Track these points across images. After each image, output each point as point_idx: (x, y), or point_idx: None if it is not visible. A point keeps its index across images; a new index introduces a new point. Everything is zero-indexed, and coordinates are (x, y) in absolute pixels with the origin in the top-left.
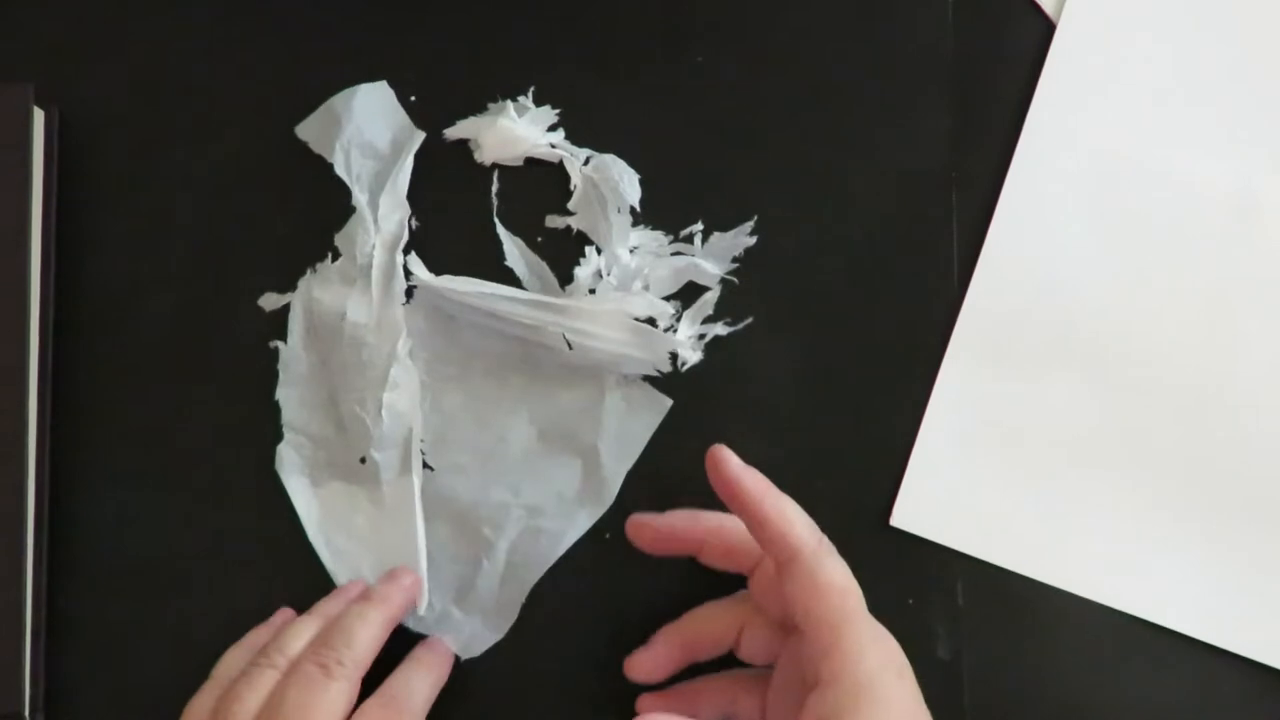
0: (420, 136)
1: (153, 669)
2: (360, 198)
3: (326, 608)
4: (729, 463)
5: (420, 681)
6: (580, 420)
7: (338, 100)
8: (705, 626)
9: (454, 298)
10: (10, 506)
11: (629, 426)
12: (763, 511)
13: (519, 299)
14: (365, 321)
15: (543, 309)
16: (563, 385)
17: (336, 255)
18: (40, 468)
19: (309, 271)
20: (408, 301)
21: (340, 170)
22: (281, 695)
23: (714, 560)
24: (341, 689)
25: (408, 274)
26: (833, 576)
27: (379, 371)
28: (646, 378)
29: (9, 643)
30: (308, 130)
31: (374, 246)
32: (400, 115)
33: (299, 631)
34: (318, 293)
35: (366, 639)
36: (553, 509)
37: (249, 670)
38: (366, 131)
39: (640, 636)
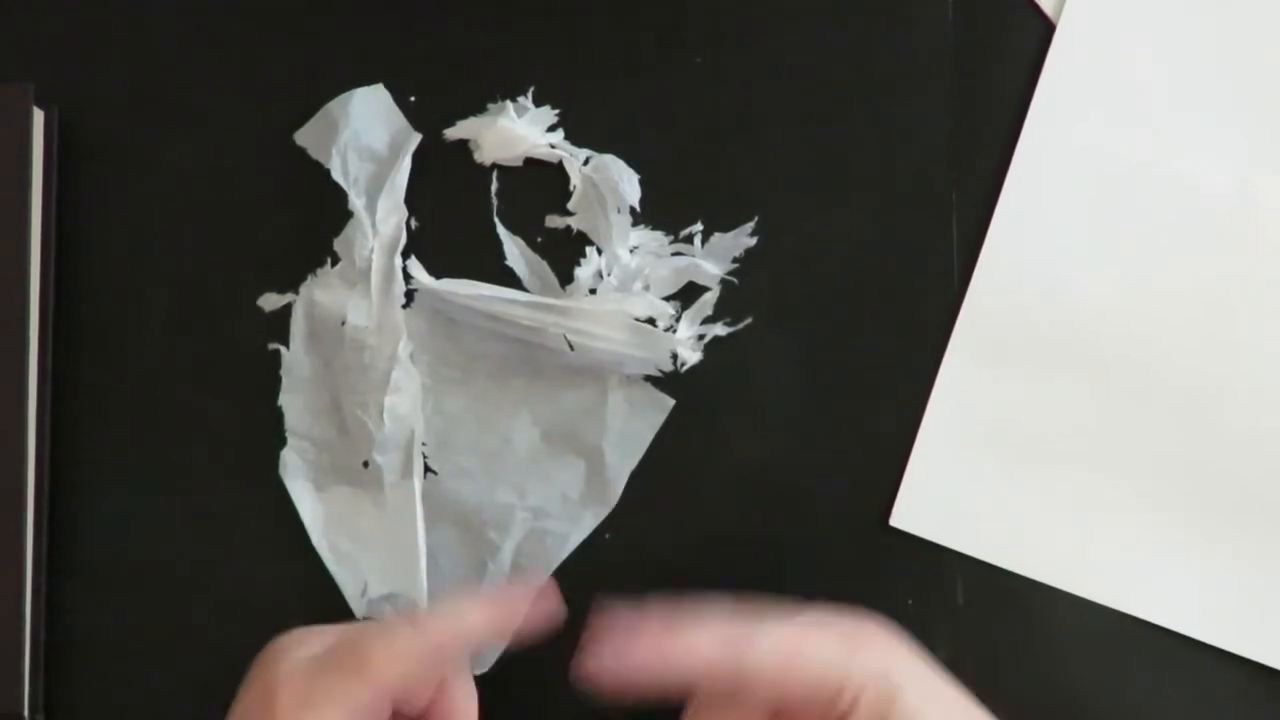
0: (416, 138)
1: (153, 670)
2: (357, 202)
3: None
4: (603, 668)
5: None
6: (583, 421)
7: (334, 105)
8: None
9: (454, 300)
10: (10, 507)
11: (632, 426)
12: (674, 676)
13: (519, 301)
14: (366, 324)
15: (543, 310)
16: (565, 386)
17: (336, 260)
18: (40, 468)
19: (310, 276)
20: (409, 305)
21: (337, 175)
22: (359, 634)
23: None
24: (423, 640)
25: (408, 278)
26: (764, 662)
27: (380, 374)
28: (648, 377)
29: (9, 643)
30: (306, 136)
31: (372, 250)
32: (397, 117)
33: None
34: (319, 296)
35: (472, 614)
36: (557, 510)
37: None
38: (363, 135)
39: None
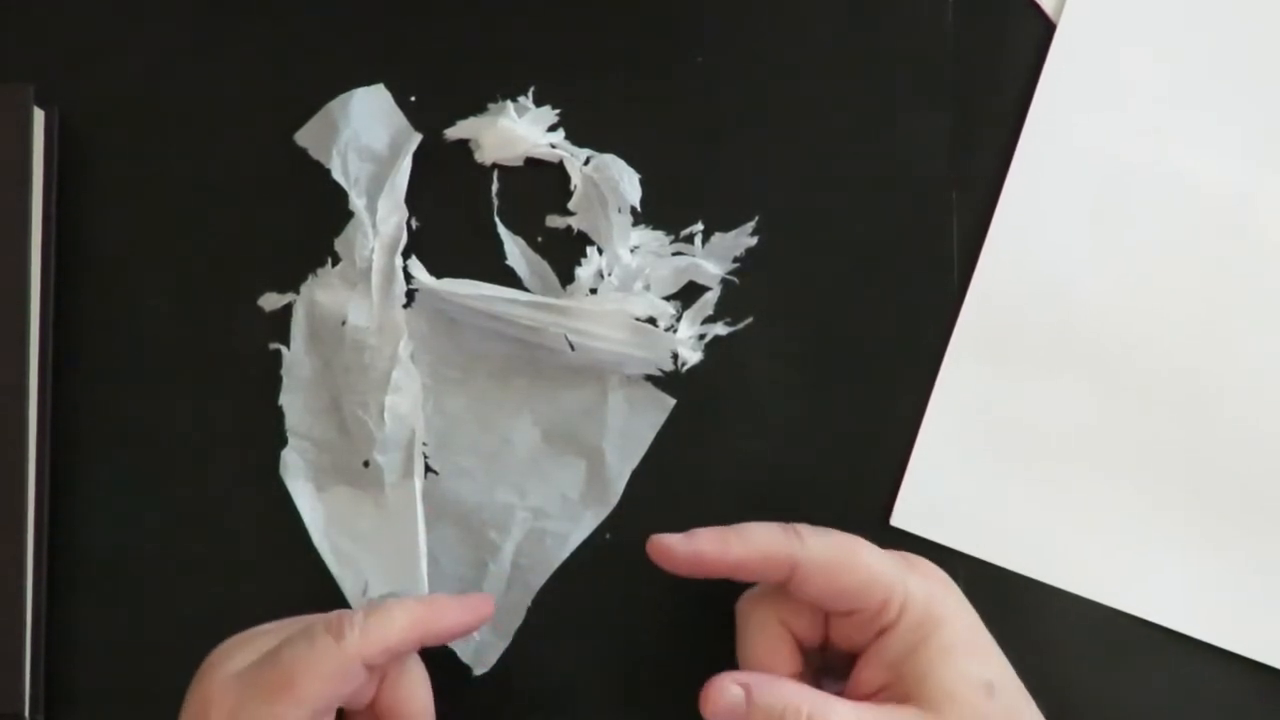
0: (417, 138)
1: (153, 670)
2: (358, 202)
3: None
4: (675, 547)
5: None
6: (584, 421)
7: (335, 105)
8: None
9: (455, 300)
10: (10, 508)
11: (633, 426)
12: (734, 558)
13: (519, 300)
14: (366, 324)
15: (544, 310)
16: (565, 386)
17: (337, 260)
18: (40, 467)
19: (310, 276)
20: (410, 305)
21: (338, 175)
22: (282, 646)
23: (748, 579)
24: (344, 656)
25: (409, 277)
26: (819, 553)
27: (381, 374)
28: (648, 377)
29: (9, 643)
30: (306, 137)
31: (373, 250)
32: (398, 117)
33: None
34: (319, 296)
35: (399, 622)
36: (557, 510)
37: (296, 619)
38: (364, 135)
39: (644, 638)
